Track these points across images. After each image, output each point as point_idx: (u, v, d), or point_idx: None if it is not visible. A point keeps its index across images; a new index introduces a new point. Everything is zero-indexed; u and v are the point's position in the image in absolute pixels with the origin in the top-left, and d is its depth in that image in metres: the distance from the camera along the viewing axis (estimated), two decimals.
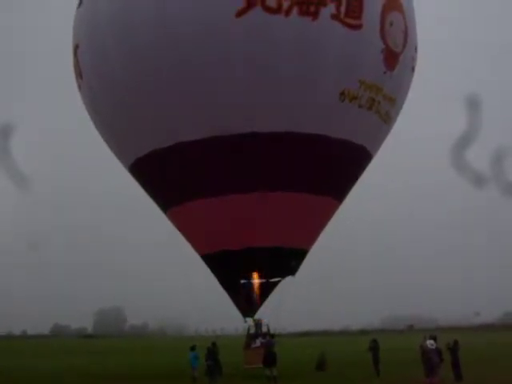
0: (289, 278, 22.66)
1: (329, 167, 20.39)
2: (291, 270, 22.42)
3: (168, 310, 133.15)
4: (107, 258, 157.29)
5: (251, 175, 19.50)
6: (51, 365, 38.48)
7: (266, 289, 22.29)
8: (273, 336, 22.21)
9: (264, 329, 22.53)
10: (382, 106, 20.05)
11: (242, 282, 22.08)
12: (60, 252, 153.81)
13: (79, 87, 21.98)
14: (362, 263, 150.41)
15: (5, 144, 21.45)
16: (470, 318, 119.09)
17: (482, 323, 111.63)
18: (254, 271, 21.66)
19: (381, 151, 23.00)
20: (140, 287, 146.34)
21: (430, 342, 19.85)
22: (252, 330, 22.58)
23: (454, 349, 22.12)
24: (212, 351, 23.66)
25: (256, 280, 22.02)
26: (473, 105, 20.99)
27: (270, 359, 22.12)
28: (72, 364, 39.25)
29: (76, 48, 21.01)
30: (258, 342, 22.16)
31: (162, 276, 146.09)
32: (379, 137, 21.78)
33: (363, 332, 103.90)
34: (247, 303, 22.31)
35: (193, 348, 24.35)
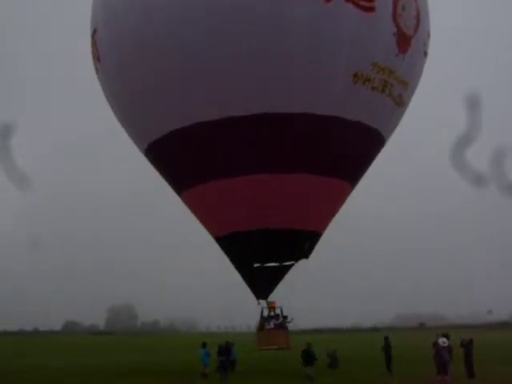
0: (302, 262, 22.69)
1: (342, 149, 20.48)
2: (304, 253, 22.43)
3: (179, 307, 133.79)
4: (119, 255, 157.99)
5: (265, 156, 19.60)
6: (64, 362, 38.63)
7: (280, 272, 22.37)
8: (286, 317, 22.37)
9: (277, 311, 22.62)
10: (395, 88, 20.11)
11: (256, 265, 22.13)
12: (72, 249, 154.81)
13: (97, 71, 22.23)
14: (374, 260, 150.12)
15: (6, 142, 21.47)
16: (482, 315, 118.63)
17: (494, 321, 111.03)
18: (268, 253, 21.66)
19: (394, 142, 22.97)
20: (151, 284, 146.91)
21: (442, 340, 19.83)
22: (265, 312, 22.65)
23: (468, 346, 21.96)
24: (225, 348, 23.77)
25: (269, 263, 22.08)
26: (474, 102, 20.91)
27: (309, 358, 22.21)
28: (84, 361, 39.39)
29: (94, 32, 21.24)
30: (272, 323, 22.24)
31: (173, 273, 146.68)
32: (392, 120, 21.83)
33: (374, 329, 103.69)
34: (261, 286, 22.40)
35: (204, 345, 24.42)
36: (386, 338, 26.03)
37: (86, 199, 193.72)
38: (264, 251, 21.57)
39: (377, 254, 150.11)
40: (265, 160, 19.70)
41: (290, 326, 22.83)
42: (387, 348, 25.74)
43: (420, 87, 22.63)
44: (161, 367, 32.65)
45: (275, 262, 22.26)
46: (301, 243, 22.06)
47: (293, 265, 22.60)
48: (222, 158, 20.07)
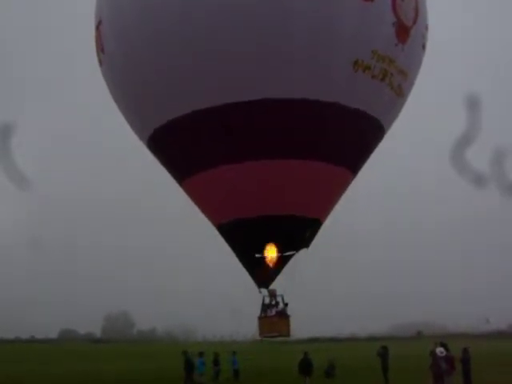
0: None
1: (342, 136, 20.70)
2: (305, 242, 22.62)
3: (176, 316, 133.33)
4: (115, 263, 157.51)
5: (266, 142, 19.81)
6: (61, 370, 38.59)
7: (281, 261, 22.51)
8: (287, 305, 22.52)
9: (278, 299, 22.80)
10: (395, 78, 20.39)
11: (257, 255, 22.32)
12: (68, 256, 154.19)
13: (100, 63, 22.41)
14: (371, 269, 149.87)
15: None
16: (480, 324, 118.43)
17: (493, 330, 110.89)
18: (269, 240, 21.87)
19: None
20: (148, 292, 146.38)
21: (439, 350, 19.95)
22: (266, 301, 22.83)
23: (464, 357, 22.05)
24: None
25: (270, 254, 22.23)
26: (474, 102, 21.00)
27: (306, 368, 22.24)
28: (82, 369, 39.39)
29: (99, 24, 21.48)
30: (274, 311, 22.44)
31: (170, 281, 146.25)
32: (392, 110, 22.11)
33: (372, 338, 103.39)
34: (262, 275, 22.55)
35: (200, 354, 24.97)
36: (385, 348, 26.09)
37: (86, 207, 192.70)
38: (264, 238, 21.83)
39: (374, 262, 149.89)
40: (265, 146, 19.91)
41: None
42: (384, 357, 25.79)
43: (419, 84, 22.97)
44: (158, 375, 32.69)
45: (276, 253, 22.34)
46: (302, 231, 22.25)
47: (294, 254, 22.76)
48: (222, 144, 20.35)
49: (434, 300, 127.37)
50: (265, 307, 22.64)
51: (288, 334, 22.47)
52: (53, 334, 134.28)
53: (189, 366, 26.49)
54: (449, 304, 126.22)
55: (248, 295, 23.30)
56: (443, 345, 20.72)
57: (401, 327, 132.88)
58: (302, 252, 22.79)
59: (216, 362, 30.82)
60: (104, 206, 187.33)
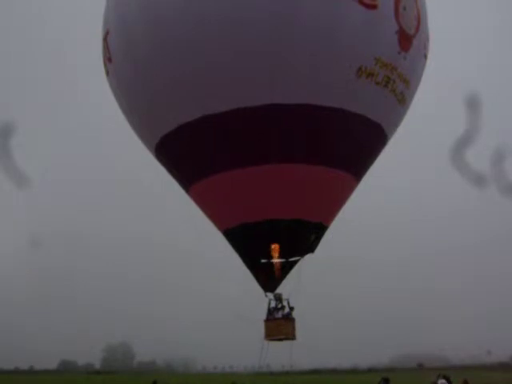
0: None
1: (346, 142, 21.04)
2: (310, 247, 22.85)
3: (176, 347, 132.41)
4: (115, 294, 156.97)
5: (271, 147, 20.17)
6: None
7: (287, 267, 22.73)
8: (292, 309, 22.63)
9: (284, 302, 22.84)
10: (397, 85, 20.73)
11: (263, 260, 22.49)
12: (68, 287, 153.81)
13: (107, 73, 22.77)
14: (372, 300, 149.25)
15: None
16: (481, 356, 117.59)
17: (494, 362, 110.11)
18: (274, 245, 22.05)
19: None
20: (148, 324, 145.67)
21: (441, 382, 20.06)
22: (272, 304, 22.90)
23: None
24: None
25: (276, 258, 22.40)
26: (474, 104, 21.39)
27: None
28: None
29: (106, 34, 21.89)
30: (280, 313, 22.55)
31: (170, 313, 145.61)
32: (394, 118, 22.45)
33: (373, 370, 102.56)
34: (268, 280, 22.79)
35: None
36: (386, 380, 26.13)
37: (87, 236, 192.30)
38: (270, 242, 22.02)
39: (375, 294, 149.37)
40: (271, 150, 20.22)
41: (289, 368, 23.12)
42: None
43: (420, 91, 23.28)
44: None
45: (281, 257, 22.48)
46: (307, 235, 22.49)
47: (300, 259, 22.92)
48: (228, 149, 20.61)
49: (435, 332, 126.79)
50: (271, 310, 22.74)
51: (294, 337, 22.44)
52: (52, 365, 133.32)
53: None
54: (450, 336, 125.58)
55: (250, 326, 23.47)
56: (445, 377, 20.82)
57: (402, 359, 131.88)
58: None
59: None
60: (104, 235, 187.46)
